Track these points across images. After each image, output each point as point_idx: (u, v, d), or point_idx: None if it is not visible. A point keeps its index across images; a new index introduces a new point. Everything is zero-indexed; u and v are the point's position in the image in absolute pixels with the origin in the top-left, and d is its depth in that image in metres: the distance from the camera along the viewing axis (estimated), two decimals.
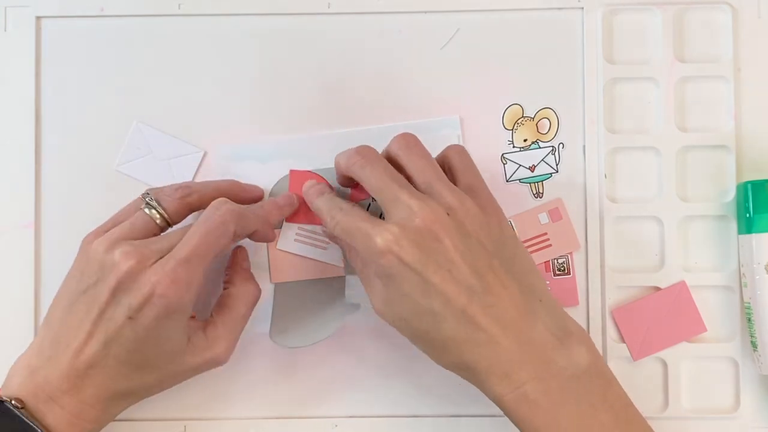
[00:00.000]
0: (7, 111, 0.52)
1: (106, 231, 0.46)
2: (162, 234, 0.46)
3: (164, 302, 0.43)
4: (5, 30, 0.52)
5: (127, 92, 0.53)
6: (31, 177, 0.52)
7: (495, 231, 0.44)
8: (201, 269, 0.44)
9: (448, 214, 0.42)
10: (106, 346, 0.43)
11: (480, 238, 0.43)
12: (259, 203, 0.50)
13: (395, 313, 0.43)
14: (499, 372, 0.42)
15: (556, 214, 0.52)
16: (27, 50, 0.52)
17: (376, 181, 0.44)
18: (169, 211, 0.47)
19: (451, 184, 0.44)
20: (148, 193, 0.47)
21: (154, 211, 0.46)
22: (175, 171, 0.52)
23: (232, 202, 0.46)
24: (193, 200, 0.47)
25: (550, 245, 0.52)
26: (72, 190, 0.52)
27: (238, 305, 0.48)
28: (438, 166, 0.45)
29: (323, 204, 0.47)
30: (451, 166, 0.47)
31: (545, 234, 0.52)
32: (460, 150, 0.48)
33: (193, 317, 0.47)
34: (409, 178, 0.45)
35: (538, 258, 0.52)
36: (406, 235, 0.41)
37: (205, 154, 0.52)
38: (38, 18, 0.53)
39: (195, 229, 0.45)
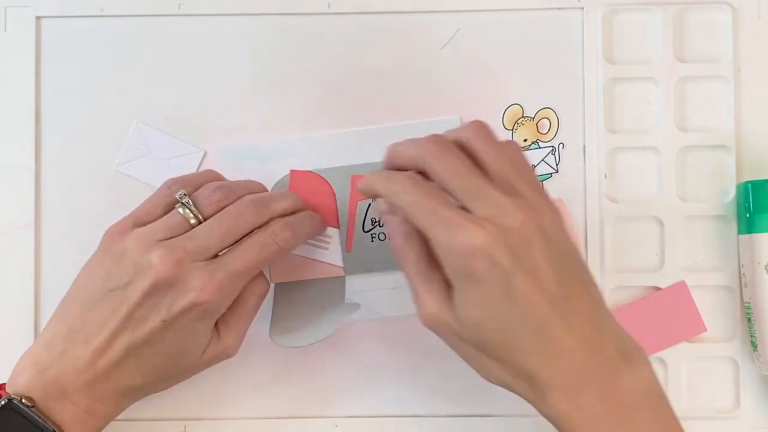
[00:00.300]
0: (7, 111, 0.52)
1: (135, 226, 0.45)
2: (194, 230, 0.45)
3: (205, 308, 0.43)
4: (5, 30, 0.52)
5: (127, 92, 0.53)
6: (31, 177, 0.52)
7: (568, 237, 0.41)
8: (246, 282, 0.45)
9: (533, 217, 0.39)
10: (130, 347, 0.43)
11: (560, 243, 0.40)
12: (303, 217, 0.48)
13: (466, 318, 0.39)
14: (566, 386, 0.39)
15: None
16: (27, 50, 0.52)
17: (457, 172, 0.40)
18: (205, 215, 0.45)
19: (535, 181, 0.42)
20: (184, 194, 0.45)
21: (189, 212, 0.45)
22: (175, 171, 0.52)
23: (291, 225, 0.46)
24: (230, 204, 0.46)
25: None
26: (72, 190, 0.52)
27: (247, 298, 0.47)
28: (516, 160, 0.42)
29: (395, 175, 0.42)
30: (493, 164, 0.41)
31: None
32: (487, 134, 0.43)
33: None
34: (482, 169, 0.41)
35: None
36: (500, 236, 0.38)
37: (205, 154, 0.52)
38: (38, 18, 0.53)
39: (252, 245, 0.44)
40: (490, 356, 0.40)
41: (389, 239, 0.43)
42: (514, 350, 0.39)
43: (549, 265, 0.39)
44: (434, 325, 0.41)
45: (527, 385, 0.40)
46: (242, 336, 0.47)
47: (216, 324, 0.46)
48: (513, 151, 0.42)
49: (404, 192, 0.40)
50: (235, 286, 0.44)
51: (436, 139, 0.42)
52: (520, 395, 0.40)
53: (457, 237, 0.38)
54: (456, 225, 0.38)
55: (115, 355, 0.43)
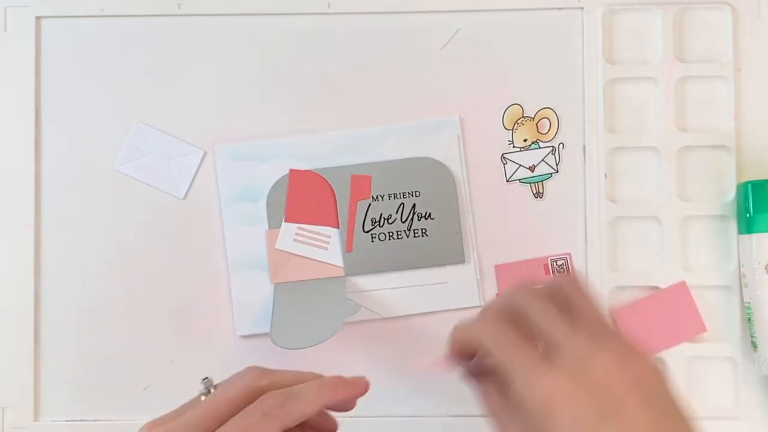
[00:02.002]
0: (7, 111, 0.52)
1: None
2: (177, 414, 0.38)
3: None
4: (5, 30, 0.52)
5: (127, 92, 0.53)
6: (31, 177, 0.52)
7: (671, 393, 0.34)
8: None
9: (623, 364, 0.33)
10: None
11: (661, 398, 0.33)
12: (310, 384, 0.40)
13: None
14: None
15: None
16: (27, 50, 0.52)
17: (537, 313, 0.36)
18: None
19: (615, 326, 0.36)
20: (208, 378, 0.39)
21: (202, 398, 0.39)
22: (175, 171, 0.52)
23: (278, 392, 0.38)
24: (264, 384, 0.39)
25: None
26: (72, 190, 0.52)
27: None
28: (602, 305, 0.37)
29: (492, 312, 0.38)
30: (584, 311, 0.37)
31: None
32: (580, 288, 0.38)
33: None
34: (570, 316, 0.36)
35: None
36: (579, 387, 0.32)
37: (205, 154, 0.52)
38: (38, 18, 0.53)
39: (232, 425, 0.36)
40: None
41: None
42: None
43: (643, 423, 0.32)
44: None
45: None
46: None
47: None
48: (592, 298, 0.37)
49: (493, 339, 0.36)
50: None
51: (521, 285, 0.38)
52: None
53: (528, 386, 0.33)
54: (531, 372, 0.33)
55: None
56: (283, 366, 0.52)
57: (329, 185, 0.52)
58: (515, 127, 0.53)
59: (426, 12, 0.53)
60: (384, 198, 0.52)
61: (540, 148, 0.53)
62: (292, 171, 0.52)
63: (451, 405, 0.52)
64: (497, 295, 0.52)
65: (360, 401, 0.52)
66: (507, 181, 0.53)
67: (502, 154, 0.53)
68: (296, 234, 0.51)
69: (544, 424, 0.33)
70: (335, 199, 0.52)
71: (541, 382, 0.33)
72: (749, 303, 0.50)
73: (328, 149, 0.52)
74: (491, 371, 0.37)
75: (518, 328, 0.36)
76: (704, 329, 0.52)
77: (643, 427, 0.32)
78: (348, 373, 0.52)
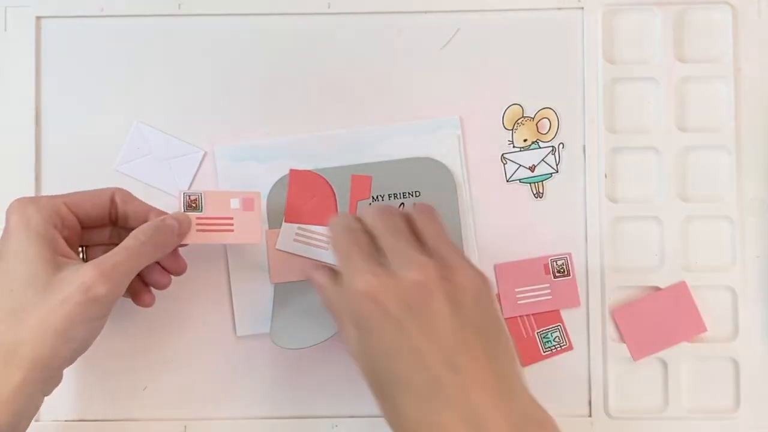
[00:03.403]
0: (7, 111, 0.52)
1: None
2: None
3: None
4: (5, 30, 0.52)
5: (127, 92, 0.53)
6: (31, 177, 0.52)
7: (489, 307, 0.42)
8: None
9: (447, 279, 0.40)
10: None
11: (473, 312, 0.40)
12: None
13: (365, 363, 0.41)
14: None
15: (248, 203, 0.49)
16: (27, 50, 0.52)
17: (383, 226, 0.43)
18: None
19: (461, 253, 0.43)
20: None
21: None
22: (175, 171, 0.52)
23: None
24: None
25: (232, 231, 0.49)
26: (72, 190, 0.52)
27: (127, 238, 0.44)
28: (446, 232, 0.44)
29: (340, 217, 0.46)
30: (425, 231, 0.44)
31: (231, 219, 0.49)
32: (429, 213, 0.46)
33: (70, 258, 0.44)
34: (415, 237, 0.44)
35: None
36: (395, 286, 0.40)
37: (205, 154, 0.52)
38: (38, 18, 0.53)
39: None
40: (388, 411, 0.40)
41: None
42: (403, 412, 0.39)
43: (449, 328, 0.39)
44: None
45: None
46: (110, 272, 0.42)
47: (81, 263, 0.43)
48: (442, 224, 0.45)
49: (333, 231, 0.45)
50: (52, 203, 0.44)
51: (379, 204, 0.46)
52: None
53: (351, 280, 0.41)
54: (355, 268, 0.41)
55: None
56: (283, 366, 0.52)
57: (329, 185, 0.52)
58: (515, 127, 0.53)
59: (426, 12, 0.53)
60: (384, 198, 0.52)
61: (540, 148, 0.53)
62: (292, 171, 0.52)
63: None
64: (497, 295, 0.52)
65: (360, 401, 0.52)
66: (507, 181, 0.53)
67: (502, 154, 0.53)
68: (296, 234, 0.51)
69: (359, 315, 0.40)
70: (335, 199, 0.52)
71: (358, 281, 0.40)
72: None
73: (328, 149, 0.52)
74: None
75: (366, 240, 0.43)
76: (704, 329, 0.52)
77: (445, 328, 0.39)
78: (348, 372, 0.52)
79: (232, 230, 0.49)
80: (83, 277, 0.41)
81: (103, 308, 0.43)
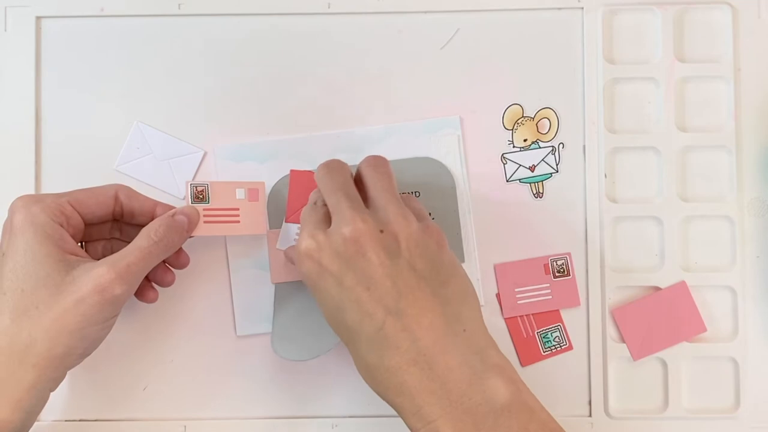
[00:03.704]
0: (7, 111, 0.52)
1: None
2: None
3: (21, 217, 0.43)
4: (5, 30, 0.52)
5: (127, 92, 0.53)
6: (31, 177, 0.52)
7: (431, 254, 0.42)
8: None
9: (382, 230, 0.42)
10: None
11: (412, 259, 0.41)
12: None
13: (327, 317, 0.44)
14: (409, 405, 0.40)
15: (253, 194, 0.50)
16: (27, 50, 0.52)
17: (326, 188, 0.44)
18: None
19: (400, 201, 0.43)
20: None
21: None
22: (175, 171, 0.52)
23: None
24: None
25: (239, 222, 0.50)
26: (72, 190, 0.52)
27: (137, 237, 0.45)
28: (393, 184, 0.45)
29: (314, 193, 0.47)
30: (367, 184, 0.45)
31: (237, 210, 0.50)
32: (375, 167, 0.46)
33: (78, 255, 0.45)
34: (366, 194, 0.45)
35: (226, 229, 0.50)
36: (330, 244, 0.42)
37: (205, 154, 0.52)
38: (38, 18, 0.53)
39: None
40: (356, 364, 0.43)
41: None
42: (361, 363, 0.42)
43: (385, 278, 0.41)
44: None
45: (384, 399, 0.42)
46: (125, 272, 0.43)
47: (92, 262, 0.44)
48: (388, 174, 0.45)
49: (303, 210, 0.46)
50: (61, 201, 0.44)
51: (327, 161, 0.46)
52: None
53: (298, 247, 0.43)
54: (301, 238, 0.43)
55: None
56: (283, 366, 0.52)
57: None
58: (515, 127, 0.53)
59: (426, 12, 0.53)
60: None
61: (540, 148, 0.53)
62: (292, 171, 0.52)
63: None
64: (497, 295, 0.52)
65: (360, 401, 0.52)
66: (507, 181, 0.53)
67: (502, 154, 0.53)
68: (296, 234, 0.51)
69: (303, 274, 0.43)
70: None
71: (301, 241, 0.43)
72: None
73: (328, 149, 0.52)
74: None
75: (318, 208, 0.45)
76: (704, 329, 0.52)
77: (383, 277, 0.40)
78: (348, 372, 0.52)
79: (238, 221, 0.49)
80: (99, 279, 0.42)
81: (117, 308, 0.44)
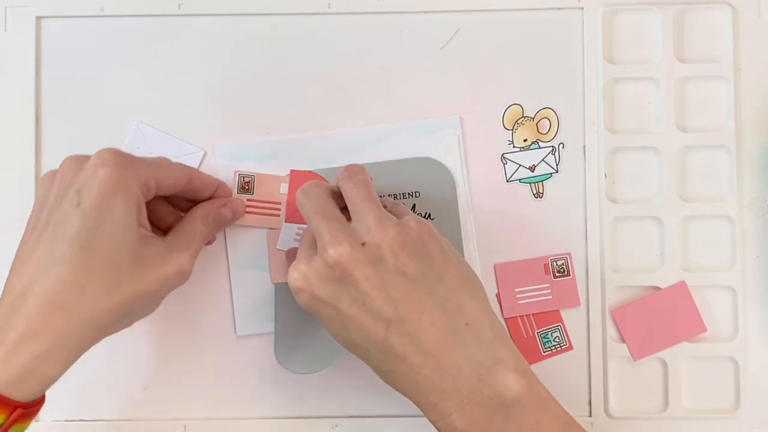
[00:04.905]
0: (7, 111, 0.52)
1: None
2: None
3: (103, 176, 0.42)
4: (5, 30, 0.52)
5: (127, 92, 0.53)
6: (31, 177, 0.52)
7: (419, 252, 0.42)
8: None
9: (364, 243, 0.41)
10: (52, 245, 0.41)
11: (399, 262, 0.41)
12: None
13: (339, 341, 0.44)
14: (426, 402, 0.41)
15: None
16: (27, 50, 0.52)
17: (306, 213, 0.45)
18: None
19: (378, 207, 0.43)
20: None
21: None
22: None
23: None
24: None
25: (279, 216, 0.51)
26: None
27: (193, 220, 0.47)
28: (370, 192, 0.45)
29: (307, 209, 0.46)
30: (346, 197, 0.45)
31: (279, 204, 0.51)
32: (350, 177, 0.46)
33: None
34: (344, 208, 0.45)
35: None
36: (316, 271, 0.42)
37: (205, 154, 0.52)
38: (38, 18, 0.53)
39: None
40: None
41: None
42: (378, 373, 0.43)
43: (377, 291, 0.41)
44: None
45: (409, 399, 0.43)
46: (193, 254, 0.46)
47: (162, 240, 0.45)
48: (365, 183, 0.45)
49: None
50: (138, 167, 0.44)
51: (303, 186, 0.46)
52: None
53: (290, 283, 0.43)
54: (290, 271, 0.43)
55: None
56: (283, 368, 0.52)
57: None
58: (515, 127, 0.53)
59: (426, 12, 0.53)
60: (384, 198, 0.52)
61: (540, 148, 0.53)
62: (292, 171, 0.52)
63: None
64: (497, 295, 0.52)
65: (360, 401, 0.52)
66: (507, 181, 0.53)
67: (502, 154, 0.53)
68: (296, 234, 0.51)
69: (302, 306, 0.44)
70: None
71: (290, 275, 0.43)
72: None
73: (328, 149, 0.52)
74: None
75: (305, 235, 0.46)
76: (704, 329, 0.52)
77: (373, 290, 0.41)
78: (348, 372, 0.52)
79: (278, 215, 0.51)
80: (180, 261, 0.44)
81: None
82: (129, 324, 0.45)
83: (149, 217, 0.45)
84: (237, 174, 0.51)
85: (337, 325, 0.42)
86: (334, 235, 0.42)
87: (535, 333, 0.52)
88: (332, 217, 0.43)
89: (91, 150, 0.52)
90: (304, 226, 0.51)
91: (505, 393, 0.40)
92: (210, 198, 0.49)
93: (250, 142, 0.52)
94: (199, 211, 0.48)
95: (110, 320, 0.42)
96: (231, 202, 0.49)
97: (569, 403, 0.51)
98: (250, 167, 0.52)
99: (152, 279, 0.43)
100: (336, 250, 0.41)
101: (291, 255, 0.50)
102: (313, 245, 0.44)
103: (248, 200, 0.51)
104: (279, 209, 0.51)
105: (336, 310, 0.42)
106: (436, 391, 0.40)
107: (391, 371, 0.42)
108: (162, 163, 0.46)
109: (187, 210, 0.48)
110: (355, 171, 0.46)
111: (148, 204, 0.45)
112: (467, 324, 0.41)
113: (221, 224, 0.49)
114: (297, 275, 0.43)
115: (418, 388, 0.41)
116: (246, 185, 0.51)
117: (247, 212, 0.51)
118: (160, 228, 0.48)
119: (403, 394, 0.42)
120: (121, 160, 0.43)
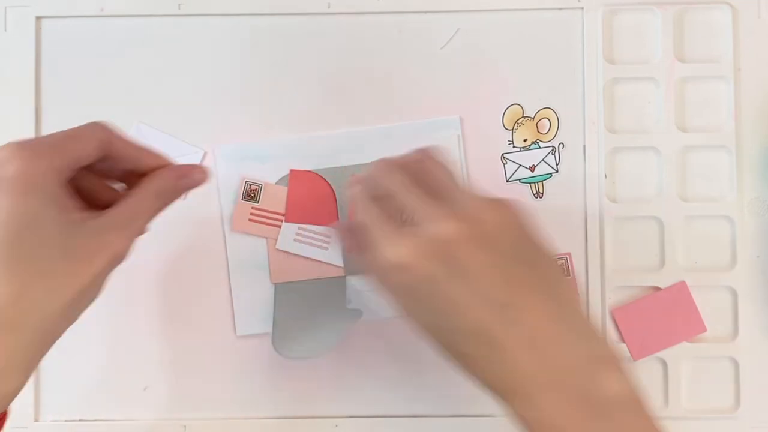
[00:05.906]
0: (7, 111, 0.52)
1: None
2: None
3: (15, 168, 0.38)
4: (5, 30, 0.52)
5: (127, 92, 0.53)
6: None
7: (518, 236, 0.40)
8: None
9: (468, 223, 0.38)
10: None
11: (506, 247, 0.39)
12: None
13: (416, 325, 0.41)
14: (516, 393, 0.38)
15: None
16: (27, 50, 0.52)
17: (397, 187, 0.41)
18: None
19: (472, 191, 0.41)
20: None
21: None
22: None
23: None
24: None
25: (281, 227, 0.51)
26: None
27: (143, 194, 0.42)
28: (457, 173, 0.43)
29: (360, 191, 0.43)
30: (434, 176, 0.42)
31: (283, 215, 0.52)
32: (431, 158, 0.43)
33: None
34: (428, 187, 0.42)
35: None
36: (424, 248, 0.38)
37: (205, 154, 0.52)
38: (38, 18, 0.53)
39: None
40: (452, 361, 0.40)
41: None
42: (467, 360, 0.39)
43: (488, 273, 0.38)
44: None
45: (488, 392, 0.39)
46: (132, 235, 0.41)
47: (94, 219, 0.40)
48: (447, 168, 0.43)
49: (360, 205, 0.42)
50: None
51: (380, 162, 0.43)
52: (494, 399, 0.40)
53: (382, 252, 0.39)
54: (384, 239, 0.39)
55: None
56: (284, 366, 0.52)
57: (329, 185, 0.52)
58: (515, 127, 0.53)
59: (426, 12, 0.53)
60: None
61: (540, 148, 0.53)
62: (292, 171, 0.52)
63: (451, 405, 0.52)
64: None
65: (360, 401, 0.52)
66: (507, 181, 0.53)
67: (502, 154, 0.53)
68: (296, 234, 0.51)
69: (398, 284, 0.39)
70: (335, 199, 0.52)
71: (390, 247, 0.38)
72: None
73: (328, 149, 0.52)
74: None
75: (383, 204, 0.41)
76: (704, 329, 0.52)
77: (484, 273, 0.38)
78: (348, 372, 0.52)
79: (280, 226, 0.51)
80: (113, 244, 0.39)
81: None
82: (78, 316, 0.41)
83: (85, 195, 0.42)
84: (244, 181, 0.51)
85: (425, 305, 0.39)
86: (444, 211, 0.39)
87: None
88: (423, 194, 0.40)
89: None
90: (304, 225, 0.51)
91: (608, 392, 0.38)
92: (160, 166, 0.43)
93: (250, 142, 0.52)
94: (152, 185, 0.42)
95: (58, 323, 0.40)
96: (191, 172, 0.43)
97: None
98: (250, 167, 0.52)
99: (86, 272, 0.39)
100: (448, 227, 0.38)
101: (346, 229, 0.47)
102: (389, 221, 0.40)
103: (253, 208, 0.51)
104: (281, 221, 0.51)
105: (438, 290, 0.38)
106: (535, 385, 0.37)
107: (476, 356, 0.38)
108: (69, 135, 0.41)
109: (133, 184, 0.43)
110: (430, 153, 0.43)
111: (81, 182, 0.41)
112: (572, 315, 0.39)
113: (179, 195, 0.43)
114: (404, 251, 0.38)
115: (513, 377, 0.37)
116: (252, 193, 0.51)
117: (250, 221, 0.51)
118: (100, 205, 0.42)
119: (483, 382, 0.39)
120: (25, 153, 0.39)
